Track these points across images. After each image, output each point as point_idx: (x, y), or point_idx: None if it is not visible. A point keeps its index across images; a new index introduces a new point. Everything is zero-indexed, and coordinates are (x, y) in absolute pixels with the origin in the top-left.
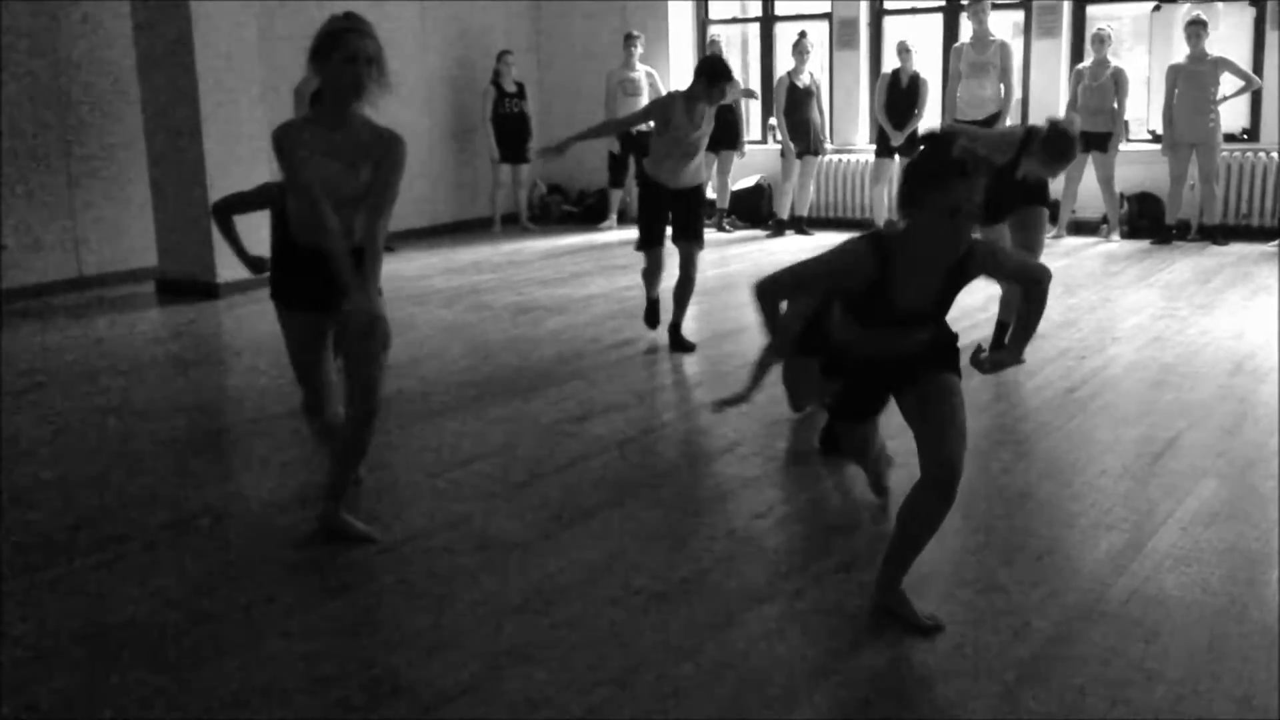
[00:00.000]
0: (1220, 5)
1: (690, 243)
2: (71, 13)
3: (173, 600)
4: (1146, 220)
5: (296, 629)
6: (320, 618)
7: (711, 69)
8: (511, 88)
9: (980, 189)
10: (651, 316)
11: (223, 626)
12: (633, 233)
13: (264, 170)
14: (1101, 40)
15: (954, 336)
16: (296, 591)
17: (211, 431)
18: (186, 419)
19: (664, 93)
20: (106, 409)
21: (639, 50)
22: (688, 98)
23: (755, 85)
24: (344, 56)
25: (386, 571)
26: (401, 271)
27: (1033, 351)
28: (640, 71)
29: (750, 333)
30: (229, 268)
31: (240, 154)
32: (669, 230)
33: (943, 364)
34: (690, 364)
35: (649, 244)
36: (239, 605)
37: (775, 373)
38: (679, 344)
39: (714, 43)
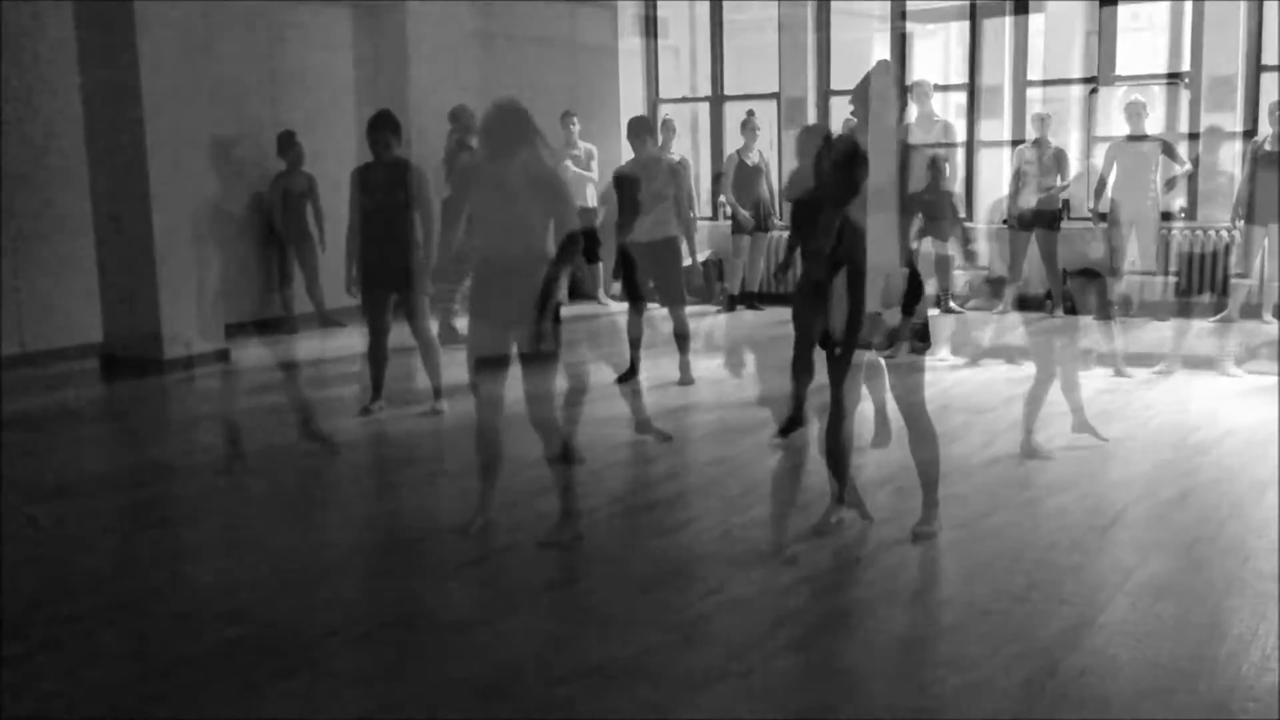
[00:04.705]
0: (1155, 88)
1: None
2: (13, 81)
3: (111, 687)
4: (1089, 296)
5: (241, 715)
6: (266, 702)
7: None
8: None
9: None
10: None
11: (164, 713)
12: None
13: (211, 245)
14: (1042, 120)
15: None
16: (238, 676)
17: (156, 509)
18: (130, 497)
19: (595, 169)
20: (49, 487)
21: (577, 128)
22: None
23: (705, 163)
24: None
25: (333, 654)
26: (355, 346)
27: (981, 426)
28: (581, 149)
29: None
30: (175, 342)
31: (187, 229)
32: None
33: None
34: (644, 439)
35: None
36: (181, 691)
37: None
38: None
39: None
